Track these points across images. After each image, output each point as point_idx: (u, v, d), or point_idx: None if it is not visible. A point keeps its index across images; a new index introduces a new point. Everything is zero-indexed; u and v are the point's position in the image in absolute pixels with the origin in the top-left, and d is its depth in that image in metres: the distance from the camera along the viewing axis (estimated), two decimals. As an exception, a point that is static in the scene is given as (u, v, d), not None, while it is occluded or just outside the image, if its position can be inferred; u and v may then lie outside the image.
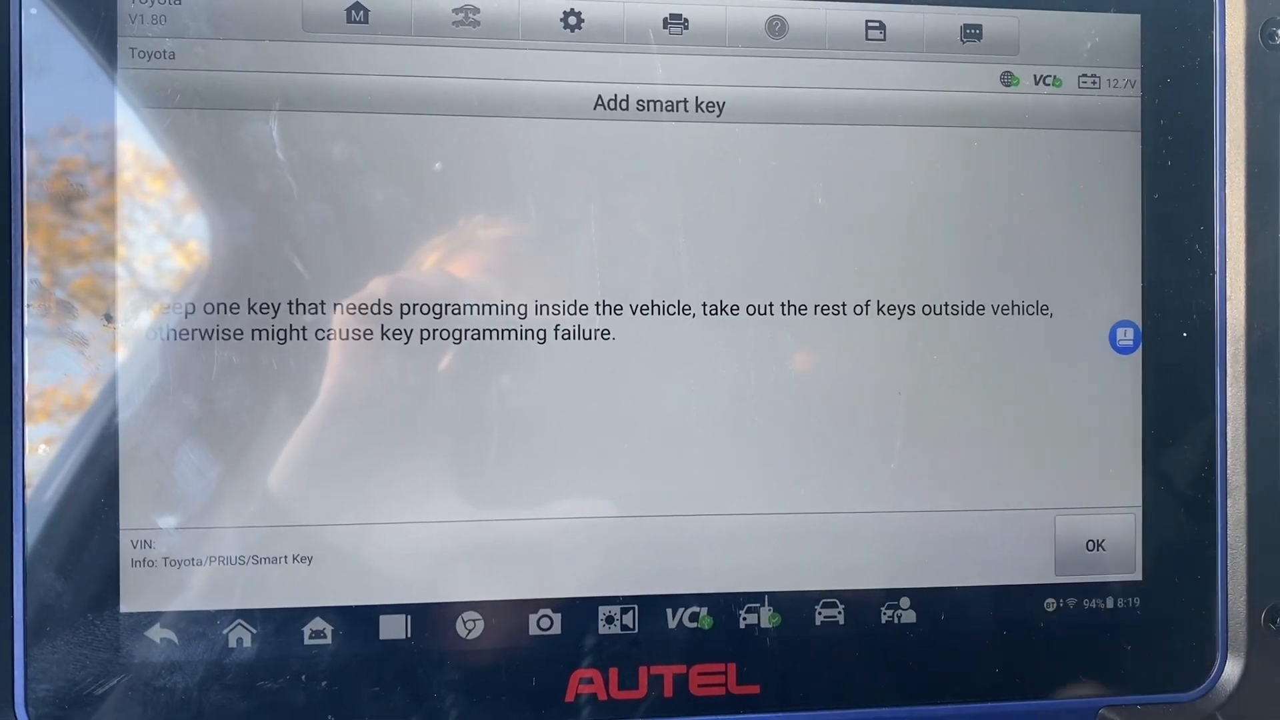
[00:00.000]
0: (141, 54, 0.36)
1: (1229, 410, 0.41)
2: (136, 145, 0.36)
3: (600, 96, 0.38)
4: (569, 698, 0.38)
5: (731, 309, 0.39)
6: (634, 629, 0.39)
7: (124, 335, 0.36)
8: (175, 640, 0.37)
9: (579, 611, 0.38)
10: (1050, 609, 0.41)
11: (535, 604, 0.38)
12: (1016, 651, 0.40)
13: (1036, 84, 0.40)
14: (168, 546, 0.37)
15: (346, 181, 0.37)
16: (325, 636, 0.37)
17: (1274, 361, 0.41)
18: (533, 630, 0.38)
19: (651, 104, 0.39)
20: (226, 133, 0.37)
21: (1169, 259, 0.41)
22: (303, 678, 0.37)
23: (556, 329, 0.38)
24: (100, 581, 0.36)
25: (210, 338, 0.37)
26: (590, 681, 0.38)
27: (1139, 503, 0.41)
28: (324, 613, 0.37)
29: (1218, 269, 0.41)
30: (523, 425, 0.38)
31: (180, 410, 0.37)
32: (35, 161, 0.36)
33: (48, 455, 0.36)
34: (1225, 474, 0.41)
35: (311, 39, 0.37)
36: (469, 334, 0.38)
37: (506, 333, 0.38)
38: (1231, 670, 0.41)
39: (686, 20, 0.39)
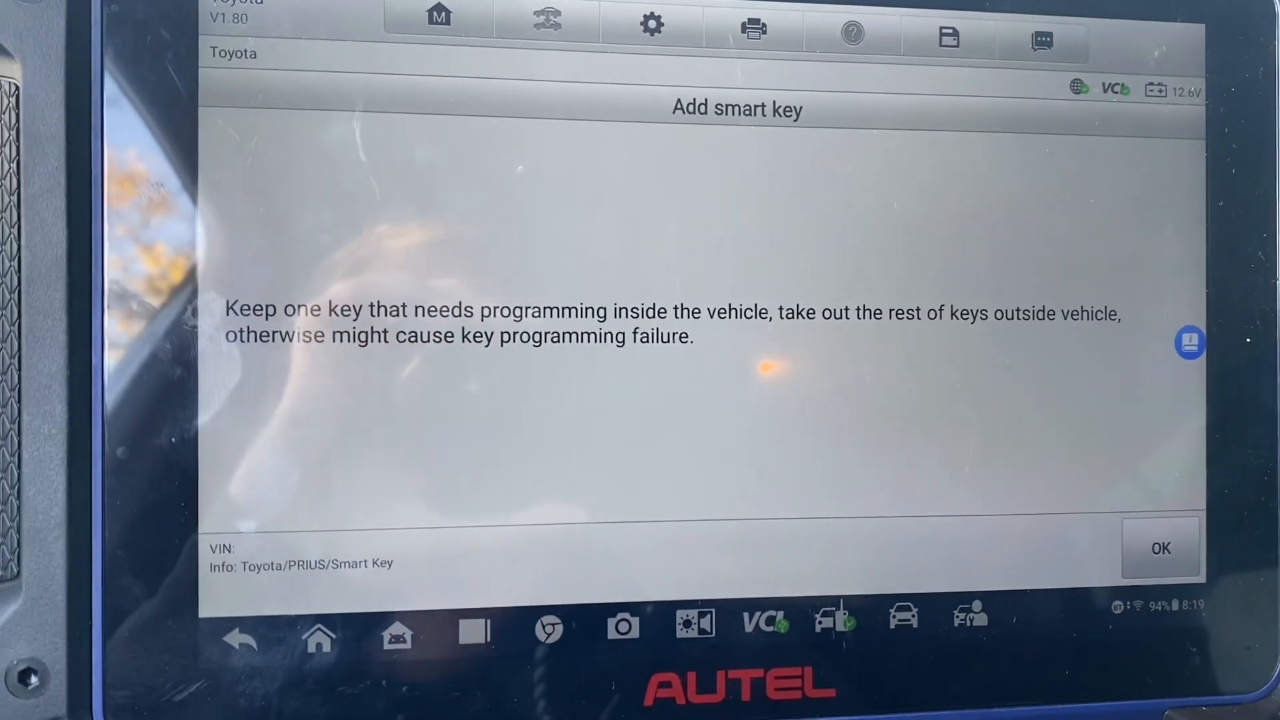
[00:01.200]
0: (223, 53, 0.36)
1: (1291, 414, 0.42)
2: (217, 144, 0.36)
3: (679, 100, 0.38)
4: (648, 701, 0.38)
5: (808, 313, 0.39)
6: (711, 633, 0.39)
7: (204, 337, 0.36)
8: (254, 646, 0.36)
9: (657, 615, 0.38)
10: (1118, 611, 0.41)
11: (614, 608, 0.38)
12: (1085, 653, 0.41)
13: (1105, 92, 0.41)
14: (247, 551, 0.36)
15: (428, 184, 0.37)
16: (405, 641, 0.37)
17: (1334, 366, 0.42)
18: (611, 634, 0.38)
19: (730, 108, 0.39)
20: (308, 133, 0.36)
21: (1233, 265, 0.41)
22: (383, 683, 0.37)
23: (635, 332, 0.38)
24: (179, 587, 0.36)
25: (291, 340, 0.36)
26: (669, 685, 0.38)
27: (1203, 506, 0.41)
28: (404, 617, 0.37)
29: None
30: (601, 429, 0.38)
31: (260, 413, 0.36)
32: (116, 161, 0.35)
33: (127, 459, 0.35)
34: (1287, 477, 0.42)
35: (393, 39, 0.37)
36: (549, 337, 0.38)
37: (586, 335, 0.38)
38: (1293, 671, 0.42)
39: (765, 25, 0.39)
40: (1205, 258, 0.41)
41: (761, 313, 0.39)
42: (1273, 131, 0.42)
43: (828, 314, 0.39)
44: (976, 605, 0.40)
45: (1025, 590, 0.40)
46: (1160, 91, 0.41)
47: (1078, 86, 0.41)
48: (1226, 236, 0.41)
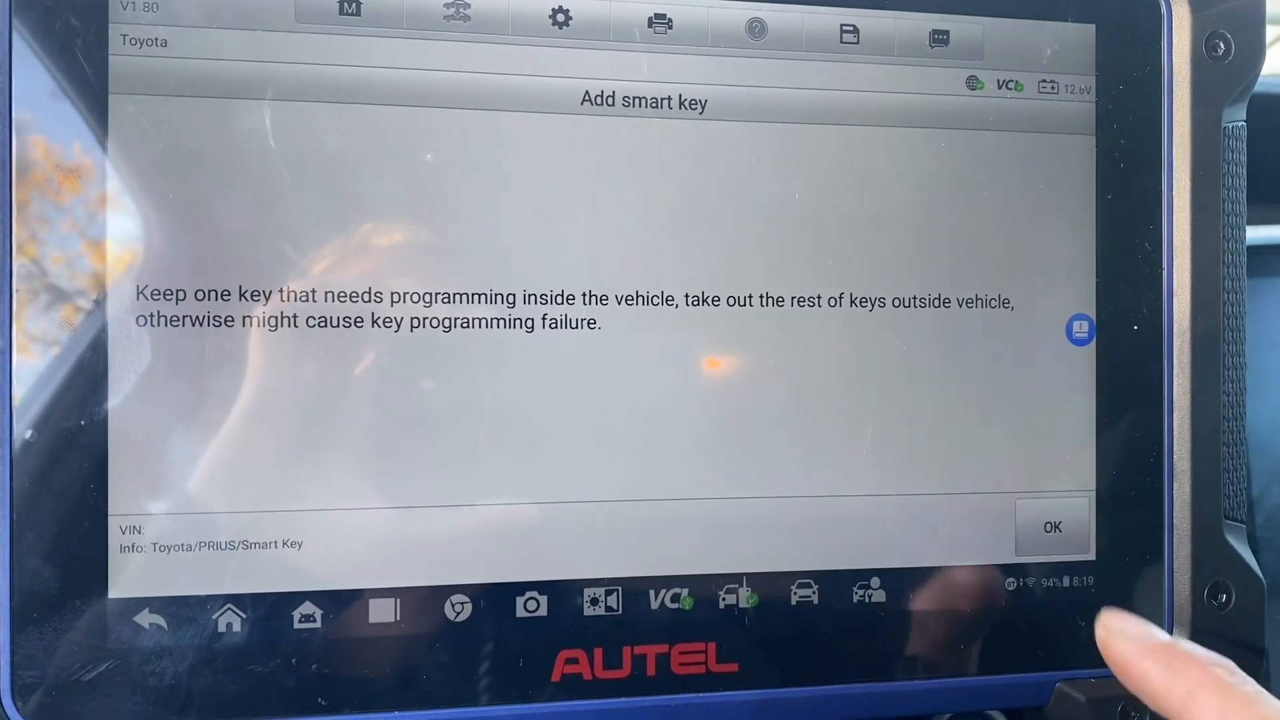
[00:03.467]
0: (133, 41, 0.36)
1: (1175, 399, 0.43)
2: (127, 131, 0.36)
3: (588, 92, 0.39)
4: (555, 677, 0.39)
5: (713, 300, 0.40)
6: (618, 610, 0.40)
7: (114, 321, 0.36)
8: (164, 625, 0.37)
9: (565, 594, 0.39)
10: (1010, 588, 0.43)
11: (522, 586, 0.39)
12: (980, 628, 0.42)
13: (999, 88, 0.42)
14: (156, 532, 0.37)
15: (338, 172, 0.38)
16: (315, 620, 0.38)
17: (1216, 353, 0.44)
18: (520, 612, 0.39)
19: (637, 100, 0.40)
20: (219, 121, 0.37)
21: (1121, 256, 0.43)
22: (293, 661, 0.37)
23: (544, 319, 0.39)
24: (88, 568, 0.36)
25: (201, 324, 0.37)
26: (576, 661, 0.39)
27: (1093, 487, 0.43)
28: (314, 597, 0.38)
29: (1165, 265, 0.43)
30: (510, 413, 0.39)
31: (170, 396, 0.37)
32: (24, 146, 0.36)
33: (35, 441, 0.36)
34: (1172, 459, 0.43)
35: (304, 30, 0.38)
36: (458, 323, 0.39)
37: (495, 322, 0.39)
38: (1177, 644, 0.43)
39: (670, 20, 0.40)
40: (1095, 248, 0.43)
41: (668, 300, 0.40)
42: (1158, 128, 0.43)
43: (731, 301, 0.40)
44: (875, 582, 0.42)
45: (921, 568, 0.42)
46: (1052, 89, 0.43)
47: (973, 83, 0.42)
48: (1115, 228, 0.43)
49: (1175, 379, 0.44)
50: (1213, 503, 0.44)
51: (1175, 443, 0.43)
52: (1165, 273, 0.43)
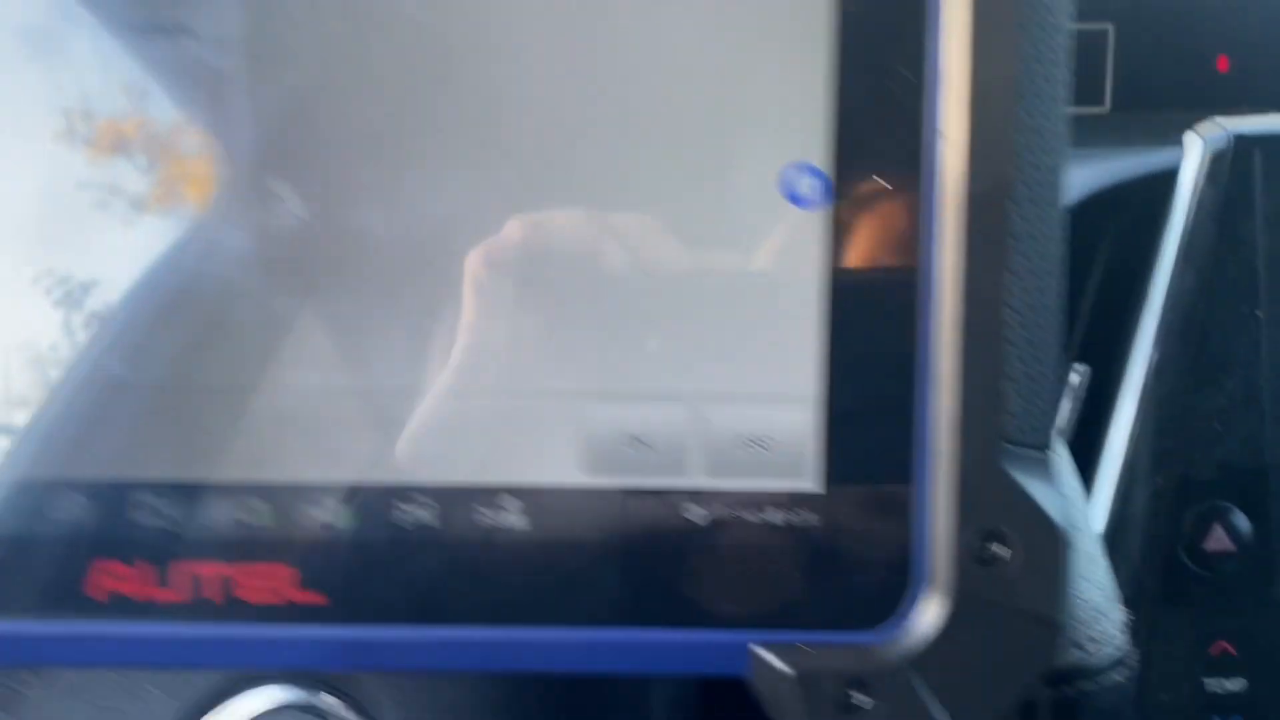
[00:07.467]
0: None
1: (937, 280, 0.32)
2: None
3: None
4: (95, 594, 0.33)
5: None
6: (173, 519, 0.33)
7: None
8: None
9: (103, 493, 0.33)
10: (697, 519, 0.33)
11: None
12: (650, 568, 0.33)
13: None
14: None
15: None
16: None
17: (1001, 219, 0.32)
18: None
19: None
20: None
21: (866, 85, 0.32)
22: None
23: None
24: None
25: None
26: (118, 576, 0.33)
27: (816, 392, 0.32)
28: None
29: (930, 97, 0.32)
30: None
31: None
32: None
33: None
34: (929, 361, 0.32)
35: None
36: None
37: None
38: (929, 609, 0.32)
39: None
40: (826, 73, 0.32)
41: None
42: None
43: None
44: (510, 504, 0.33)
45: (573, 488, 0.33)
46: None
47: None
48: (857, 46, 0.32)
49: (940, 254, 0.32)
50: (990, 422, 0.32)
51: (935, 340, 0.32)
52: (930, 106, 0.32)
